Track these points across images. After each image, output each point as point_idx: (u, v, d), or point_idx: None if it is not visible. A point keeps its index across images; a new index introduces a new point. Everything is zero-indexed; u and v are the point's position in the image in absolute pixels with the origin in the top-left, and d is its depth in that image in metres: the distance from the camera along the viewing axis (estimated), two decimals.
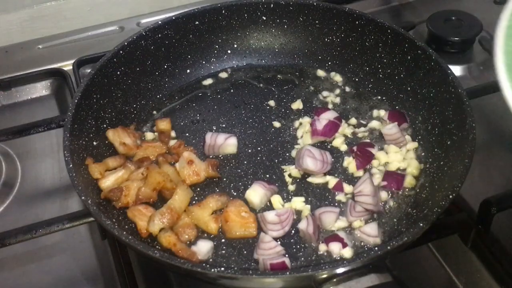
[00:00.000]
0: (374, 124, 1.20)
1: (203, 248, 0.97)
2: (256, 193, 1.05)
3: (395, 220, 1.03)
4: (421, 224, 0.89)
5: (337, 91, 1.28)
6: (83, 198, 0.94)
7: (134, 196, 1.04)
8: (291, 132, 1.20)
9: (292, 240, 1.00)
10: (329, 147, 1.16)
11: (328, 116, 1.19)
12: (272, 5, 1.32)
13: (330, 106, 1.25)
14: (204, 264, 0.95)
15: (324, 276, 0.83)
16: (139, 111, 1.24)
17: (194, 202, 1.06)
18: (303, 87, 1.30)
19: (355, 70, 1.30)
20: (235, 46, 1.35)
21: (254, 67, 1.35)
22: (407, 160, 1.12)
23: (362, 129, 1.19)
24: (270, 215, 1.01)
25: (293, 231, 1.02)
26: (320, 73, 1.32)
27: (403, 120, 1.18)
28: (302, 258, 0.98)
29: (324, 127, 1.16)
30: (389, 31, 1.22)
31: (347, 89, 1.28)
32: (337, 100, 1.26)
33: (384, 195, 1.06)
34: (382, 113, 1.22)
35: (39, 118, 1.23)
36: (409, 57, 1.20)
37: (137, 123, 1.21)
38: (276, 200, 1.06)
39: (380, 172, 1.10)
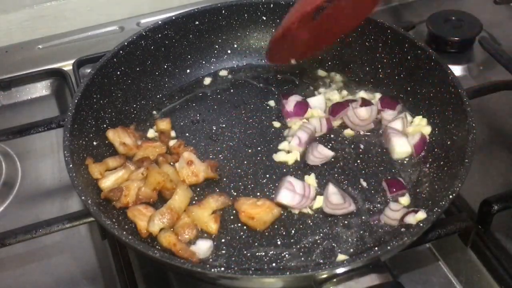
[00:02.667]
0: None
1: (203, 247, 0.97)
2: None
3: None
4: (421, 224, 0.89)
5: (337, 91, 1.28)
6: (83, 198, 0.94)
7: (134, 196, 1.04)
8: None
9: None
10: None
11: (294, 98, 1.23)
12: (272, 5, 1.32)
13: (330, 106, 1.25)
14: (204, 264, 0.95)
15: (324, 276, 0.83)
16: (139, 111, 1.24)
17: (194, 202, 1.06)
18: (303, 87, 1.30)
19: (355, 70, 1.30)
20: (235, 46, 1.35)
21: (254, 67, 1.35)
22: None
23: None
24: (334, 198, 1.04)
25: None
26: (320, 73, 1.32)
27: (395, 103, 1.20)
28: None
29: (294, 108, 1.20)
30: (389, 31, 1.22)
31: (347, 89, 1.28)
32: (338, 100, 1.26)
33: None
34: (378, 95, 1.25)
35: (39, 118, 1.23)
36: (409, 57, 1.20)
37: (137, 123, 1.21)
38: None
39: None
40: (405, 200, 1.05)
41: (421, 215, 0.98)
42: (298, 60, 1.21)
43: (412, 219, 0.98)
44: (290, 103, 1.22)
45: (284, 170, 1.12)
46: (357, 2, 1.01)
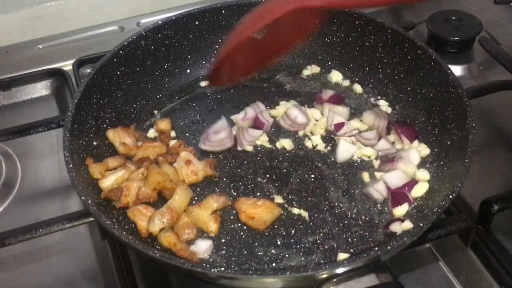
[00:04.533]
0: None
1: (203, 246, 0.97)
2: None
3: None
4: (421, 224, 0.89)
5: (337, 91, 1.28)
6: (83, 198, 0.94)
7: (134, 196, 1.04)
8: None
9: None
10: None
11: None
12: None
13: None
14: (204, 264, 0.95)
15: (324, 276, 0.83)
16: (139, 111, 1.24)
17: (194, 202, 1.06)
18: (303, 87, 1.30)
19: (355, 70, 1.30)
20: None
21: None
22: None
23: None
24: None
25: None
26: (320, 73, 1.33)
27: (415, 136, 1.15)
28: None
29: (329, 97, 1.22)
30: (389, 31, 1.22)
31: (347, 89, 1.28)
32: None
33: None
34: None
35: (39, 118, 1.23)
36: (409, 57, 1.20)
37: (137, 123, 1.21)
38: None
39: None
40: (401, 210, 1.04)
41: (408, 224, 0.99)
42: (241, 80, 1.23)
43: (398, 227, 0.99)
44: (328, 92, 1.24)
45: (284, 171, 1.12)
46: (298, 20, 0.97)
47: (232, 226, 1.03)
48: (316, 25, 0.99)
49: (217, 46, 1.34)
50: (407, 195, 1.05)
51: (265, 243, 1.00)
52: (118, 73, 1.20)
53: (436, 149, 1.11)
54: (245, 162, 1.14)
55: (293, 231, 1.02)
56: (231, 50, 0.98)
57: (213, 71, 1.05)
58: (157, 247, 0.98)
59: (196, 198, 1.07)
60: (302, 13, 0.93)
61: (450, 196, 0.92)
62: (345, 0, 0.93)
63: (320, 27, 1.29)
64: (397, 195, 1.05)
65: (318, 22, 0.99)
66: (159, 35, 1.26)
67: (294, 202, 1.06)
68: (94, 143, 1.11)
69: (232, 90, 1.30)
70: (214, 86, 1.21)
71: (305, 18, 0.97)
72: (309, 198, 1.07)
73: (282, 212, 1.04)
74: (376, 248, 0.85)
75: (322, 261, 0.97)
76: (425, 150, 1.12)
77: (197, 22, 1.30)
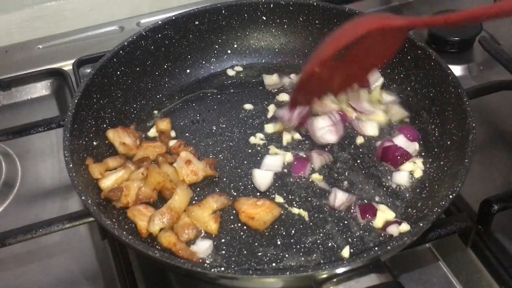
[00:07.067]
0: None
1: (202, 246, 0.97)
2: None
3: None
4: (421, 224, 0.89)
5: None
6: (83, 198, 0.94)
7: (134, 196, 1.04)
8: None
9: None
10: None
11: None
12: (272, 5, 1.32)
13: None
14: (204, 264, 0.96)
15: (324, 276, 0.83)
16: (139, 111, 1.24)
17: (194, 202, 1.06)
18: None
19: None
20: (235, 46, 1.35)
21: (254, 67, 1.35)
22: None
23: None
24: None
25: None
26: None
27: (416, 136, 1.15)
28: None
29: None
30: None
31: None
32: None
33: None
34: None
35: (39, 118, 1.23)
36: (409, 57, 1.20)
37: (137, 123, 1.21)
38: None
39: None
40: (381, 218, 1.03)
41: (405, 227, 0.98)
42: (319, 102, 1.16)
43: (395, 230, 0.99)
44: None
45: (285, 170, 1.12)
46: (382, 40, 0.97)
47: (232, 226, 1.03)
48: (398, 47, 1.00)
49: (217, 46, 1.34)
50: (373, 204, 1.04)
51: (265, 243, 1.00)
52: (118, 73, 1.20)
53: (436, 149, 1.11)
54: (245, 162, 1.14)
55: (293, 231, 1.02)
56: (314, 71, 0.99)
57: (296, 93, 1.07)
58: (157, 247, 0.98)
59: (196, 198, 1.07)
60: (385, 33, 0.94)
61: (450, 196, 0.92)
62: (428, 20, 0.97)
63: (320, 27, 1.31)
64: (364, 207, 1.04)
65: (400, 43, 1.00)
66: (159, 35, 1.26)
67: (294, 202, 1.06)
68: (94, 143, 1.11)
69: (232, 90, 1.30)
70: (295, 108, 1.15)
71: (388, 39, 0.97)
72: (309, 198, 1.07)
73: (282, 212, 1.04)
74: (376, 248, 0.85)
75: (322, 261, 0.97)
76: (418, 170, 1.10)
77: (197, 22, 1.30)
